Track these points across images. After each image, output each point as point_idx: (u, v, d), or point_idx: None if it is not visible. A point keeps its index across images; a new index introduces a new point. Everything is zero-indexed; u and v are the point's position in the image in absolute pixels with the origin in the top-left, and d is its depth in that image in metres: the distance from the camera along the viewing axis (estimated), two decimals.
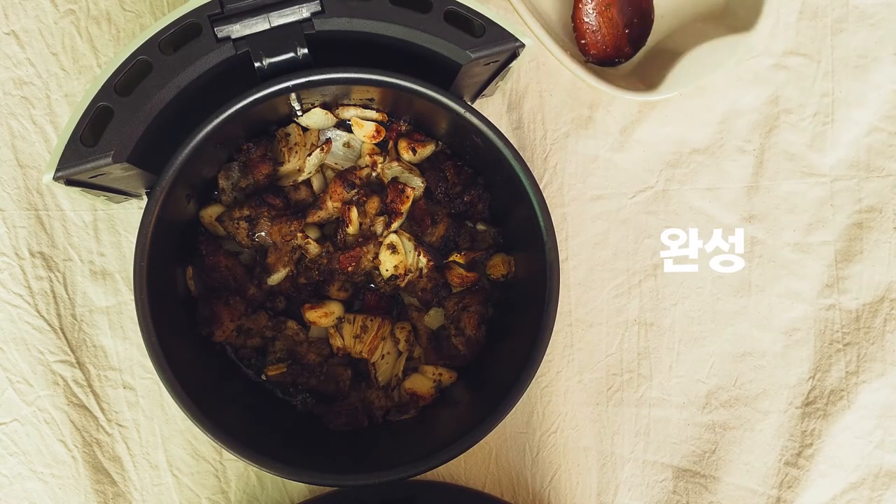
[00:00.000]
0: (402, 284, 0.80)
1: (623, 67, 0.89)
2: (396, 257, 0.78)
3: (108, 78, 0.65)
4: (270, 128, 0.80)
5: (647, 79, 0.87)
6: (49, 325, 0.84)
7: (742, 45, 0.85)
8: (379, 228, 0.79)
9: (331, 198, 0.78)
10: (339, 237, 0.79)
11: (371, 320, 0.79)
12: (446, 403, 0.80)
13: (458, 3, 0.67)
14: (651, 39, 0.90)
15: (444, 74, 0.69)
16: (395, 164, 0.80)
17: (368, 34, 0.67)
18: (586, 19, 0.86)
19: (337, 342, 0.79)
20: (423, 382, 0.80)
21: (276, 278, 0.79)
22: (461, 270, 0.80)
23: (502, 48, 0.67)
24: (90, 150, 0.65)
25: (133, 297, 0.68)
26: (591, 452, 0.87)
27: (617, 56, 0.88)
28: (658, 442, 0.87)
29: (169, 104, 0.66)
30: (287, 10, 0.66)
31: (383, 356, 0.81)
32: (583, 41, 0.87)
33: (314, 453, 0.75)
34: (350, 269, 0.79)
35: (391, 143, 0.81)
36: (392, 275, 0.79)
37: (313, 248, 0.79)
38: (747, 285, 0.88)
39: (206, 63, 0.66)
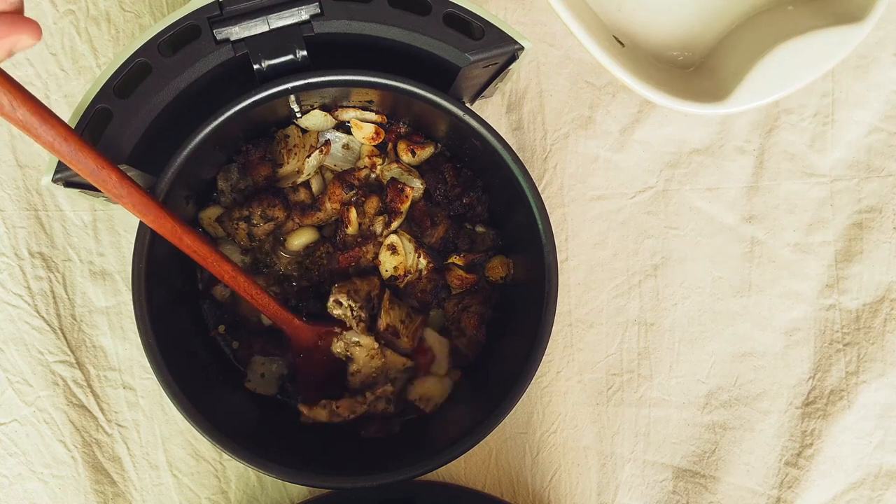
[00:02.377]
0: (401, 286, 0.80)
1: (683, 61, 0.77)
2: (397, 258, 0.78)
3: (106, 80, 0.65)
4: (270, 129, 0.80)
5: (717, 79, 0.71)
6: (49, 325, 0.84)
7: (848, 43, 0.68)
8: (378, 228, 0.79)
9: (329, 199, 0.78)
10: (338, 238, 0.79)
11: (414, 313, 0.80)
12: (446, 405, 0.80)
13: (457, 5, 0.67)
14: (724, 24, 0.74)
15: (443, 76, 0.69)
16: (394, 165, 0.80)
17: (367, 36, 0.67)
18: None
19: (385, 319, 0.78)
20: (435, 386, 0.80)
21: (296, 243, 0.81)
22: (460, 272, 0.80)
23: (502, 51, 0.67)
24: None
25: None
26: (591, 452, 0.87)
27: None
28: (658, 442, 0.87)
29: (168, 106, 0.67)
30: (286, 13, 0.66)
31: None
32: None
33: (313, 455, 0.75)
34: (350, 268, 0.79)
35: (390, 145, 0.81)
36: (392, 275, 0.79)
37: (303, 193, 0.80)
38: (747, 285, 0.88)
39: (205, 65, 0.66)
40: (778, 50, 0.68)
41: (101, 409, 0.85)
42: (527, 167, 0.71)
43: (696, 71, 0.76)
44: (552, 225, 0.71)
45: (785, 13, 0.73)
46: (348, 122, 0.80)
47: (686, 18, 0.76)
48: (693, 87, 0.71)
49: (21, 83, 0.83)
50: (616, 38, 0.76)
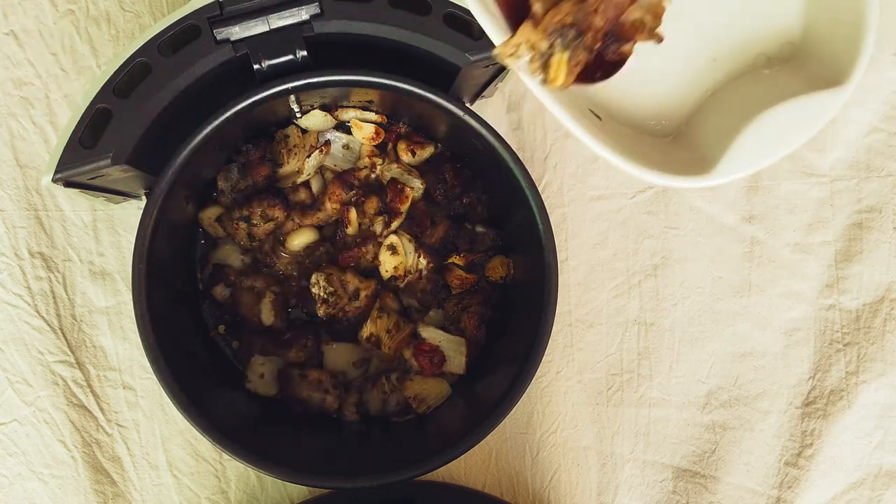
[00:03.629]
0: (402, 286, 0.80)
1: (661, 130, 0.75)
2: (396, 258, 0.78)
3: (107, 80, 0.65)
4: (270, 129, 0.80)
5: (698, 149, 0.68)
6: (49, 325, 0.84)
7: (831, 108, 0.64)
8: (378, 228, 0.79)
9: (329, 199, 0.78)
10: (338, 238, 0.79)
11: (403, 323, 0.80)
12: (446, 404, 0.80)
13: (457, 5, 0.67)
14: (701, 90, 0.72)
15: (443, 77, 0.69)
16: (394, 165, 0.80)
17: (368, 36, 0.67)
18: None
19: (370, 329, 0.79)
20: (432, 388, 0.80)
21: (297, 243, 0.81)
22: (460, 272, 0.80)
23: None
24: (89, 151, 0.65)
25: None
26: (591, 452, 0.87)
27: None
28: (658, 442, 0.87)
29: (168, 106, 0.66)
30: (286, 13, 0.66)
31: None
32: None
33: (313, 455, 0.75)
34: (349, 269, 0.79)
35: (390, 145, 0.81)
36: (392, 276, 0.79)
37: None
38: (747, 285, 0.88)
39: (205, 65, 0.66)
40: (760, 119, 0.64)
41: (101, 409, 0.85)
42: (527, 167, 0.71)
43: (674, 140, 0.73)
44: (552, 225, 0.71)
45: (761, 77, 0.71)
46: (348, 122, 0.80)
47: (661, 88, 0.73)
48: (673, 158, 0.69)
49: (21, 82, 0.84)
50: (592, 112, 0.74)
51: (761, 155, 0.65)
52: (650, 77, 0.72)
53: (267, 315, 0.80)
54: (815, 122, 0.64)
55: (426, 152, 0.80)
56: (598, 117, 0.73)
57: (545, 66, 0.59)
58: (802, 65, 0.69)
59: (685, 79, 0.73)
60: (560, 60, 0.59)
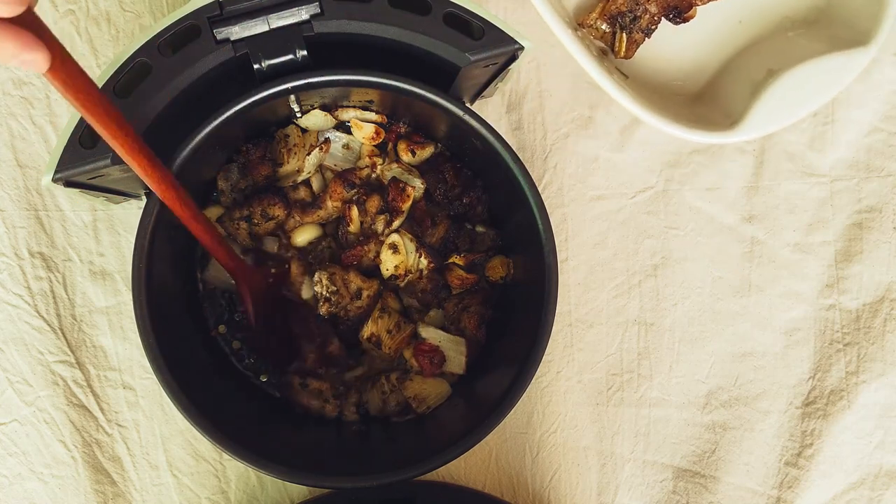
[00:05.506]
0: (402, 285, 0.80)
1: (685, 89, 0.79)
2: (397, 257, 0.78)
3: (107, 80, 0.65)
4: (270, 129, 0.80)
5: (720, 107, 0.72)
6: (49, 325, 0.84)
7: (854, 67, 0.68)
8: (380, 227, 0.79)
9: (331, 197, 0.78)
10: (340, 235, 0.79)
11: (404, 323, 0.80)
12: (446, 404, 0.80)
13: (457, 5, 0.67)
14: (726, 52, 0.76)
15: (443, 76, 0.69)
16: (394, 165, 0.80)
17: (368, 36, 0.67)
18: None
19: (371, 329, 0.79)
20: (432, 388, 0.80)
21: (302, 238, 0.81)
22: (461, 272, 0.80)
23: (502, 50, 0.67)
24: (89, 151, 0.64)
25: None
26: (591, 452, 0.87)
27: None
28: (658, 442, 0.87)
29: (168, 106, 0.66)
30: (286, 13, 0.66)
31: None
32: None
33: (313, 455, 0.75)
34: (352, 267, 0.79)
35: (390, 145, 0.81)
36: (392, 275, 0.79)
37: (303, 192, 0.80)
38: (747, 285, 0.88)
39: (205, 65, 0.66)
40: (784, 78, 0.68)
41: (101, 409, 0.85)
42: (527, 167, 0.71)
43: (697, 99, 0.76)
44: (552, 225, 0.71)
45: (785, 39, 0.74)
46: (348, 121, 0.80)
47: (688, 49, 0.78)
48: (697, 115, 0.72)
49: (21, 82, 0.84)
50: (619, 70, 0.78)
51: (785, 112, 0.68)
52: (677, 39, 0.74)
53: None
54: (837, 82, 0.67)
55: (426, 152, 0.80)
56: (626, 76, 0.75)
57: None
58: (827, 27, 0.71)
59: (711, 40, 0.76)
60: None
